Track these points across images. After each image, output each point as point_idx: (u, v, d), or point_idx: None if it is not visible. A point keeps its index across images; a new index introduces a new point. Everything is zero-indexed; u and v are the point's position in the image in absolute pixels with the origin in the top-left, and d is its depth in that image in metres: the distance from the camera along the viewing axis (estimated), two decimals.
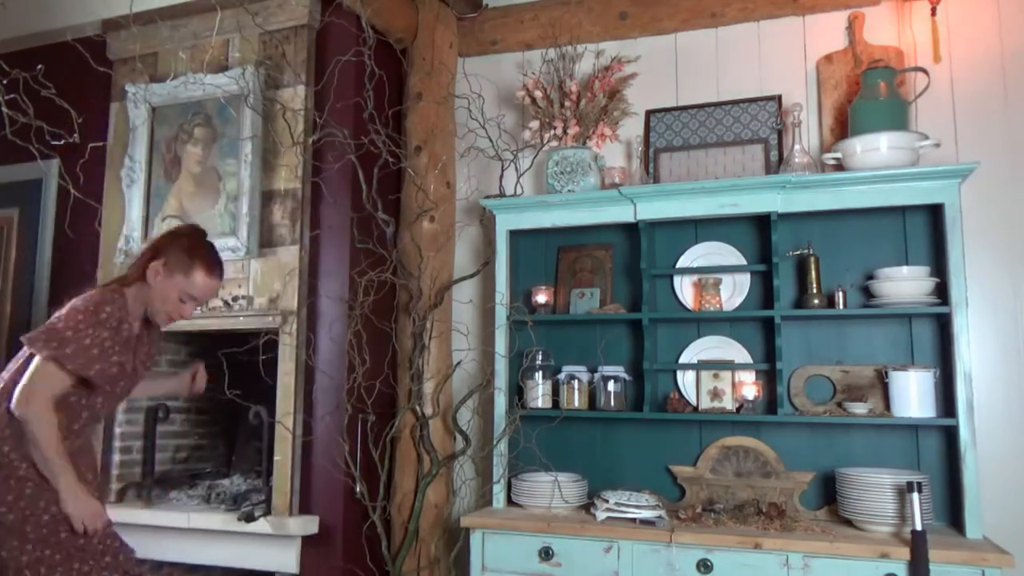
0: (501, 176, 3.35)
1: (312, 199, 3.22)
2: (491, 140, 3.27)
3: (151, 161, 3.43)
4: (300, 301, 3.12)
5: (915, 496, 2.41)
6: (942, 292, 2.71)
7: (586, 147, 3.21)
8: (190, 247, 2.31)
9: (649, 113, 3.38)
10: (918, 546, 2.35)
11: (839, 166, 2.91)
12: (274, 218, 3.21)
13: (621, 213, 3.06)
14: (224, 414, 3.72)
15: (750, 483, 2.96)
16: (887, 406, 2.80)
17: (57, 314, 2.16)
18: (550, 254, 3.41)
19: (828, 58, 3.17)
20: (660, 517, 2.76)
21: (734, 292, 3.11)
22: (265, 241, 3.20)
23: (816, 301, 2.87)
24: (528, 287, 3.32)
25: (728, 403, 3.00)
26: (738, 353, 3.07)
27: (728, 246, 3.13)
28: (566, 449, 3.22)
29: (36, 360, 2.10)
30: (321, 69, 3.22)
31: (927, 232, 2.89)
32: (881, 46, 3.09)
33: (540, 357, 3.20)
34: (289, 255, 3.15)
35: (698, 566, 2.60)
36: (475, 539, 2.88)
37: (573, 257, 3.36)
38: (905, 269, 2.79)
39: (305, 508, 3.08)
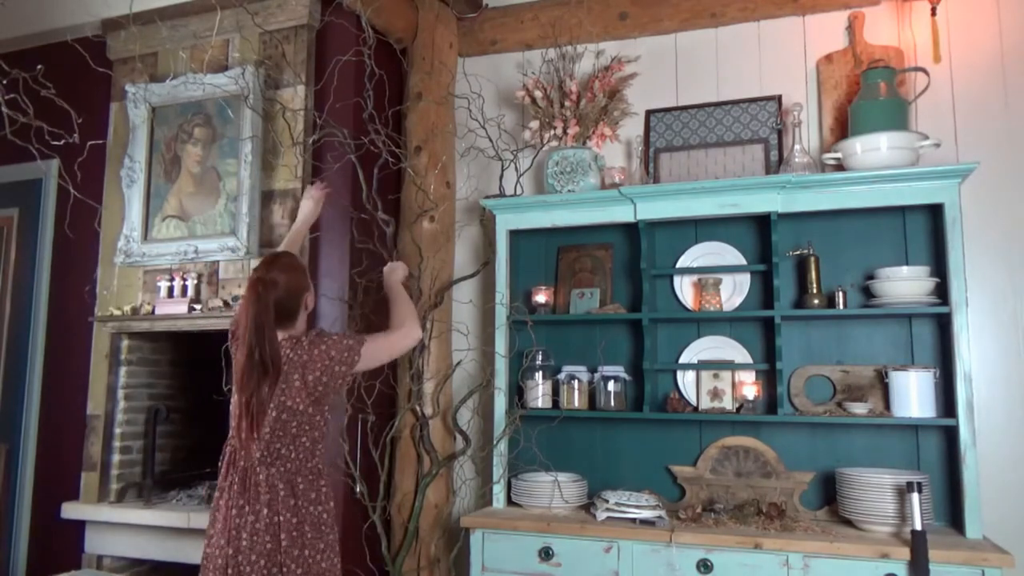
0: (501, 176, 3.35)
1: None
2: (491, 140, 3.26)
3: (151, 161, 3.43)
4: None
5: (915, 496, 2.42)
6: (942, 292, 2.71)
7: (586, 147, 3.21)
8: (301, 266, 2.43)
9: (649, 113, 3.38)
10: (918, 546, 2.35)
11: (839, 166, 2.91)
12: (274, 218, 3.21)
13: (621, 213, 3.06)
14: (224, 413, 3.70)
15: (750, 483, 2.96)
16: (887, 406, 2.80)
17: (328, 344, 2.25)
18: (550, 254, 3.41)
19: (828, 58, 3.17)
20: (660, 517, 2.76)
21: (734, 292, 3.11)
22: (265, 241, 3.20)
23: (816, 301, 2.87)
24: (528, 287, 3.32)
25: (728, 403, 3.00)
26: (738, 353, 3.07)
27: (728, 246, 3.13)
28: (566, 449, 3.22)
29: (365, 343, 2.27)
30: (321, 69, 3.22)
31: (927, 232, 2.89)
32: (881, 46, 3.09)
33: (540, 357, 3.20)
34: None
35: (698, 566, 2.60)
36: (475, 539, 2.88)
37: (573, 257, 3.36)
38: (905, 269, 2.79)
39: None
